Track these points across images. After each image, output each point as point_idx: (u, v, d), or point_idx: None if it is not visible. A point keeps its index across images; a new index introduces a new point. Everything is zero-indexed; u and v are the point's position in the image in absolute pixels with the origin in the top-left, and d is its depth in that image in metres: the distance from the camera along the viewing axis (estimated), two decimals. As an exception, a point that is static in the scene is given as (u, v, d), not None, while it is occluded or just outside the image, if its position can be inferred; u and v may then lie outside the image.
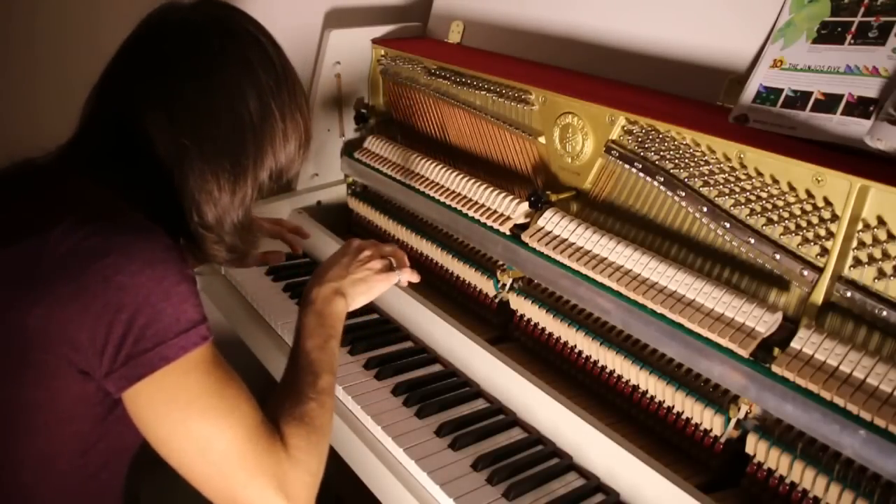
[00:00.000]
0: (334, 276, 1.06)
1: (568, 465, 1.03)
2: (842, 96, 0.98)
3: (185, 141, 0.84)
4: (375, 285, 1.09)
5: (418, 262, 1.49)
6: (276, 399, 0.89)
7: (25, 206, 0.83)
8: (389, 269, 1.12)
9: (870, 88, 0.96)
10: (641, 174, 1.14)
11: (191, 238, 0.89)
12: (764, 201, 1.00)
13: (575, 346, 1.18)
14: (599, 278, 1.09)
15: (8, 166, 0.89)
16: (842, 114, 0.97)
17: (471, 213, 1.31)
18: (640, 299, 1.03)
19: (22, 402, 0.78)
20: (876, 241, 0.89)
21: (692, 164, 1.08)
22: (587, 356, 1.16)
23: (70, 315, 0.75)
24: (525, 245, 1.21)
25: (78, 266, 0.75)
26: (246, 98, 0.87)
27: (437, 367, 1.24)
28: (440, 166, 1.43)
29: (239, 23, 0.90)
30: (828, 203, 0.93)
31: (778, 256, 0.97)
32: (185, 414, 0.78)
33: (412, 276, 1.15)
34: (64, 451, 0.82)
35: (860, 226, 0.91)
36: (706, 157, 1.06)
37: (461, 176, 1.38)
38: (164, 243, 0.79)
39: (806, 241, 0.96)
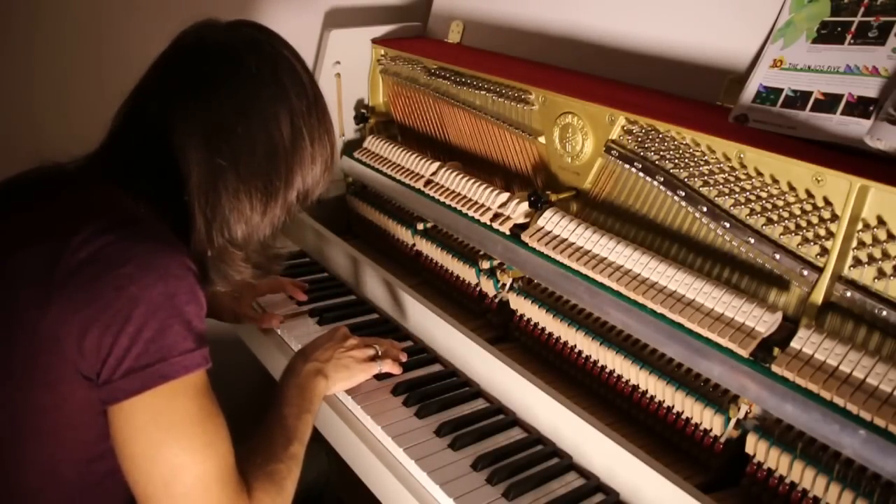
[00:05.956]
0: (320, 358, 1.11)
1: (568, 465, 1.03)
2: (842, 96, 0.98)
3: (220, 161, 0.85)
4: (357, 374, 1.13)
5: (418, 261, 1.49)
6: (246, 453, 0.87)
7: (51, 209, 0.83)
8: (373, 358, 1.16)
9: (870, 88, 0.96)
10: (641, 174, 1.14)
11: (212, 256, 0.88)
12: (764, 201, 1.00)
13: (575, 346, 1.18)
14: (599, 278, 1.09)
15: (36, 168, 0.89)
16: (842, 114, 0.97)
17: (471, 213, 1.31)
18: (640, 299, 1.03)
19: (31, 405, 0.78)
20: (876, 240, 0.89)
21: (692, 163, 1.08)
22: (587, 356, 1.16)
23: (80, 320, 0.75)
24: (525, 245, 1.21)
25: (94, 273, 0.75)
26: (279, 122, 0.88)
27: (437, 367, 1.24)
28: (440, 166, 1.43)
29: (274, 46, 0.91)
30: (828, 203, 0.93)
31: (778, 256, 0.97)
32: (163, 437, 0.77)
33: (393, 368, 1.18)
34: (70, 459, 0.82)
35: (860, 226, 0.91)
36: (706, 157, 1.06)
37: (461, 176, 1.38)
38: (181, 261, 0.79)
39: (806, 240, 0.96)
